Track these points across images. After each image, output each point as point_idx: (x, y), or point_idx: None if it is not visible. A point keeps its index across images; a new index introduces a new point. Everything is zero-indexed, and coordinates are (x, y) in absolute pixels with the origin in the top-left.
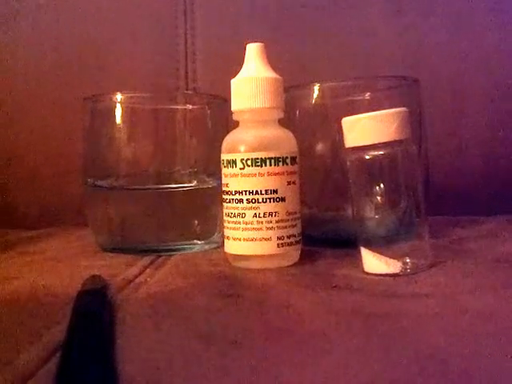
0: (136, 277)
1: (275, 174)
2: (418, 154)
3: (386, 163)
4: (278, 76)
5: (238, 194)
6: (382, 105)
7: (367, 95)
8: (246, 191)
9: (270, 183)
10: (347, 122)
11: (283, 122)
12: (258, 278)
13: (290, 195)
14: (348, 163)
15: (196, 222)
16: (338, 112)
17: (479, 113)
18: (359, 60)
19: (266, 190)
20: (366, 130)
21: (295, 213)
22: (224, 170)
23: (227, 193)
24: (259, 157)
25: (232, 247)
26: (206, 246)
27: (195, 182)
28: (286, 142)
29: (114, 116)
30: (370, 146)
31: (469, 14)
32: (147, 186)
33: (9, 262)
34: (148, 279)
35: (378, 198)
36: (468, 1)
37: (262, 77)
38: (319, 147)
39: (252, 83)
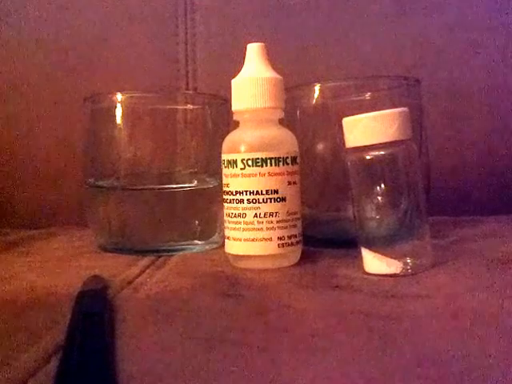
0: (136, 277)
1: (276, 174)
2: (418, 154)
3: (387, 163)
4: (278, 76)
5: (238, 194)
6: (383, 105)
7: (368, 95)
8: (246, 191)
9: (271, 183)
10: (348, 122)
11: (284, 122)
12: (258, 278)
13: (291, 195)
14: (349, 163)
15: (196, 222)
16: (338, 112)
17: (479, 113)
18: (360, 60)
19: (267, 190)
20: (367, 130)
21: (296, 213)
22: (225, 170)
23: (228, 193)
24: (260, 157)
25: (232, 247)
26: (207, 247)
27: (195, 182)
28: (286, 142)
29: (114, 116)
30: (371, 146)
31: (469, 15)
32: (147, 186)
33: (9, 261)
34: (148, 279)
35: (379, 198)
36: (468, 1)
37: (263, 77)
38: (320, 147)
39: (253, 83)
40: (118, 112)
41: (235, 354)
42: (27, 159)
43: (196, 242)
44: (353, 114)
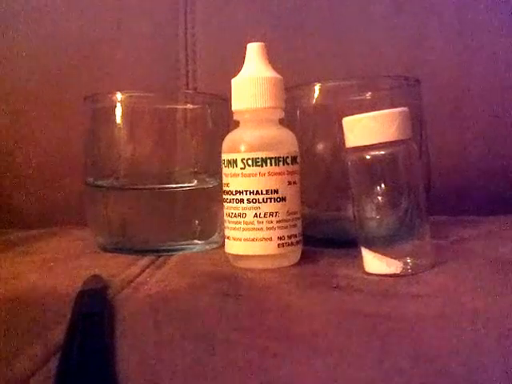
0: (136, 277)
1: (276, 174)
2: (418, 154)
3: (387, 163)
4: (278, 76)
5: (238, 194)
6: (383, 105)
7: (368, 95)
8: (246, 191)
9: (271, 183)
10: (348, 121)
11: (284, 122)
12: (258, 278)
13: (291, 195)
14: (349, 163)
15: (196, 221)
16: (338, 112)
17: (479, 113)
18: (360, 60)
19: (267, 190)
20: (367, 129)
21: (296, 213)
22: (225, 170)
23: (228, 193)
24: (260, 156)
25: (232, 247)
26: (207, 246)
27: (195, 181)
28: (286, 141)
29: (114, 116)
30: (371, 145)
31: (469, 14)
32: (147, 186)
33: (9, 262)
34: (148, 279)
35: (379, 198)
36: (467, 1)
37: (263, 76)
38: (320, 147)
39: (253, 83)
40: (118, 111)
41: (235, 353)
42: (27, 159)
43: (196, 241)
44: (353, 114)
